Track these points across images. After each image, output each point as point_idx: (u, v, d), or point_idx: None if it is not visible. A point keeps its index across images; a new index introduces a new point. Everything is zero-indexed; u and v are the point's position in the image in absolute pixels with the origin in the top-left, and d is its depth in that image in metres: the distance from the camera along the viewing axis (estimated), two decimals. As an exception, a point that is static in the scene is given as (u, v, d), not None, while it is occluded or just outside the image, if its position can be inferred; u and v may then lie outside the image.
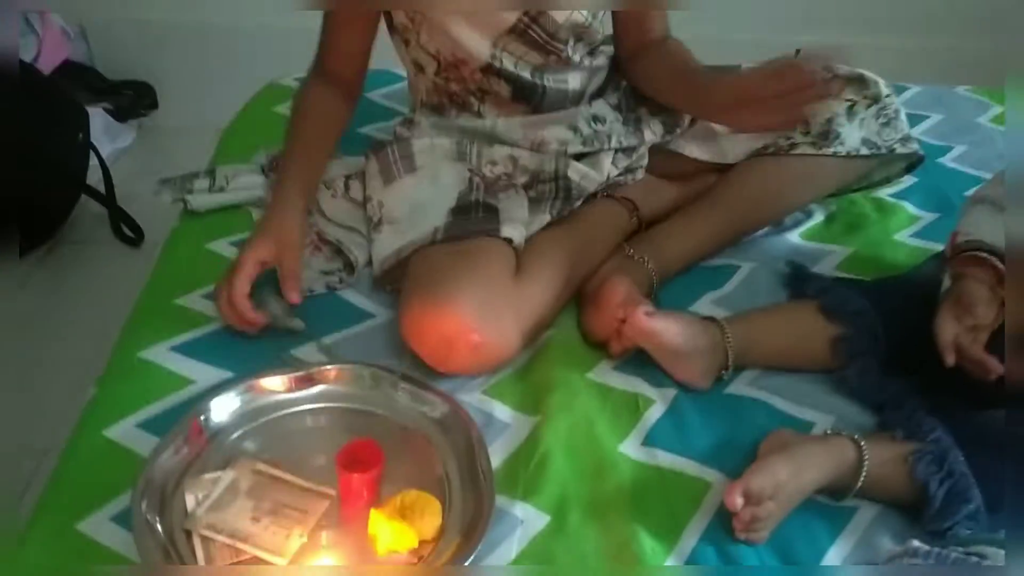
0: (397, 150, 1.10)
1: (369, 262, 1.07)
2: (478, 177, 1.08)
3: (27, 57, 1.93)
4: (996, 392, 0.83)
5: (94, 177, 1.85)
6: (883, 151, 1.15)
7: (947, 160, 1.40)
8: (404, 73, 1.21)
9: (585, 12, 1.05)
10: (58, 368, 1.46)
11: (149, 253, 1.73)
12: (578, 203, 1.10)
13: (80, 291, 1.68)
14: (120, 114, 2.16)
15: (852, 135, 1.13)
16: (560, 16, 1.03)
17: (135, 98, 2.20)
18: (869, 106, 1.14)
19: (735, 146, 1.15)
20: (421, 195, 1.06)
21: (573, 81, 1.12)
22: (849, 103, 1.13)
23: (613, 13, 1.12)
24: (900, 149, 1.16)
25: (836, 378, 0.95)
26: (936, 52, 2.27)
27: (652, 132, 1.16)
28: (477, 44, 1.04)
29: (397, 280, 1.02)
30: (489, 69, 1.07)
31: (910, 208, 1.28)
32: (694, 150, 1.18)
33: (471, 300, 0.90)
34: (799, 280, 1.08)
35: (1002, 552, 0.69)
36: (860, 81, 1.15)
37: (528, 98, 1.10)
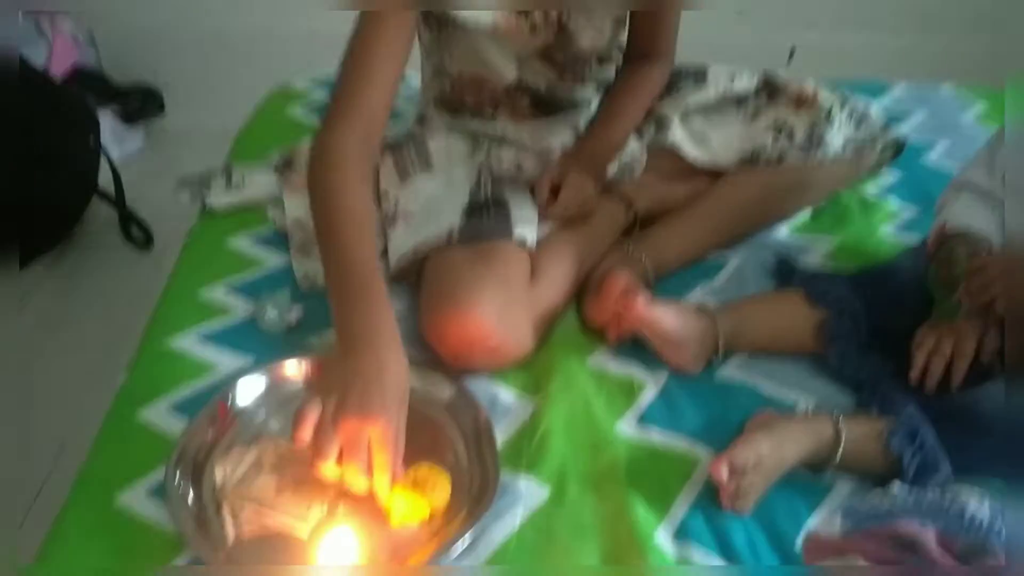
0: (414, 149, 1.15)
1: (383, 254, 1.12)
2: (487, 172, 1.13)
3: (38, 62, 1.99)
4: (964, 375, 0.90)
5: (103, 180, 1.91)
6: (867, 146, 1.22)
7: (930, 157, 1.46)
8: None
9: (607, 38, 1.10)
10: (72, 365, 1.52)
11: (159, 255, 1.79)
12: None
13: (92, 291, 1.74)
14: (127, 118, 2.22)
15: (835, 139, 1.20)
16: (585, 42, 1.09)
17: (142, 102, 2.26)
18: (842, 108, 1.21)
19: (727, 151, 1.21)
20: (435, 192, 1.11)
21: (583, 92, 1.17)
22: (826, 110, 1.19)
23: (630, 22, 1.15)
24: (881, 139, 1.24)
25: (819, 360, 1.01)
26: (920, 49, 2.34)
27: (644, 134, 1.22)
28: (504, 65, 1.09)
29: (412, 274, 1.07)
30: (518, 85, 1.12)
31: (893, 203, 1.33)
32: (690, 150, 1.23)
33: (491, 306, 0.94)
34: (785, 271, 1.14)
35: (975, 488, 0.76)
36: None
37: (545, 110, 1.16)
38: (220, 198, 1.22)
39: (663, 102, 1.24)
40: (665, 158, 1.23)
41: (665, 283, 1.13)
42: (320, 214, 0.88)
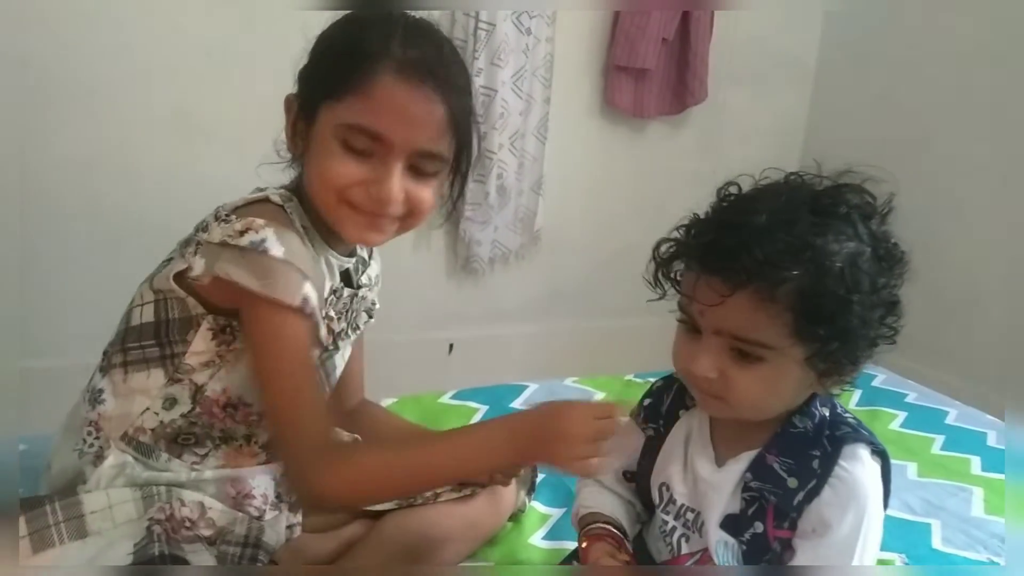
0: (60, 510, 0.97)
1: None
2: (158, 525, 1.00)
3: None
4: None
5: None
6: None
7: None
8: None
9: None
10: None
11: None
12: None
13: None
14: None
15: None
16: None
17: None
18: None
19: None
20: (85, 558, 0.95)
21: None
22: None
23: None
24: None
25: None
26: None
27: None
28: None
29: None
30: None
31: (540, 508, 1.39)
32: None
33: None
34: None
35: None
36: None
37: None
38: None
39: None
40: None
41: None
42: (391, 485, 1.01)
